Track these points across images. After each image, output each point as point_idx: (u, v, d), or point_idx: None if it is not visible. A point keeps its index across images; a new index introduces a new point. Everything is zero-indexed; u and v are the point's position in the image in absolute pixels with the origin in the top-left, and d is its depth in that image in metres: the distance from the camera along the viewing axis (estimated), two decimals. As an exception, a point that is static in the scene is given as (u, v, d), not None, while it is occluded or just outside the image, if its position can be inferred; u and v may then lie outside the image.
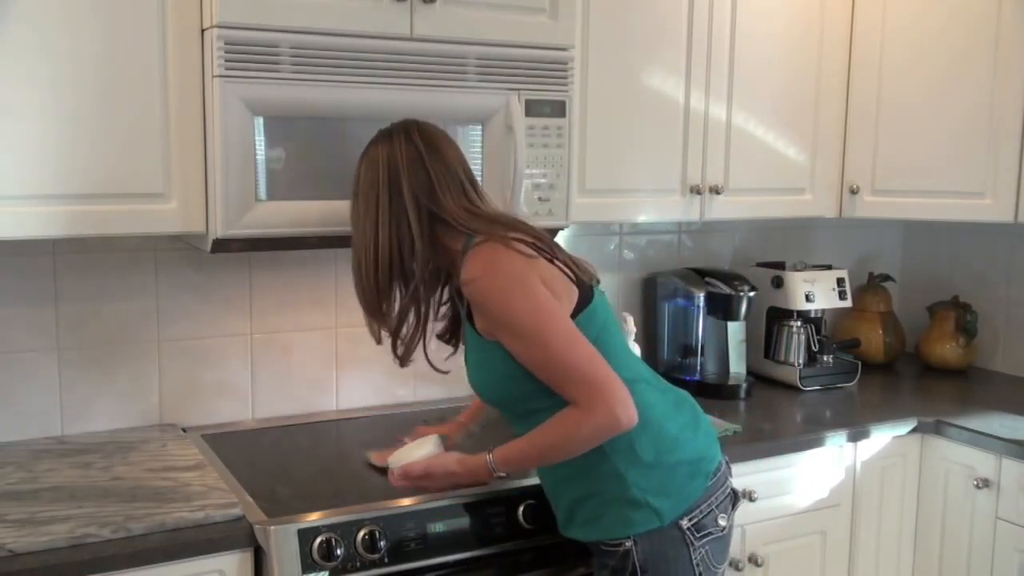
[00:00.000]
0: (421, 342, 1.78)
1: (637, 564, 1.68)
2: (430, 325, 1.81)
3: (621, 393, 1.60)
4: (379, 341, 1.79)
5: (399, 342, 1.78)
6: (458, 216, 1.69)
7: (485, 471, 1.70)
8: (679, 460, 1.71)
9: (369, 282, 1.71)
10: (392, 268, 1.70)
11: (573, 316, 1.65)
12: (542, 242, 1.70)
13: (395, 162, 1.69)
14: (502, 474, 1.71)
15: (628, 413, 1.60)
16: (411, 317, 1.76)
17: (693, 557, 1.69)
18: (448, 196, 1.70)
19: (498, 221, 1.71)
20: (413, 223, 1.68)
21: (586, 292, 1.70)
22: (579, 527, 1.76)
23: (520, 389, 1.68)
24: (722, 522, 1.74)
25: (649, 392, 1.73)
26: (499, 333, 1.64)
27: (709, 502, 1.73)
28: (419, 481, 1.76)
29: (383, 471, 1.90)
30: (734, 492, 1.81)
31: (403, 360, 1.80)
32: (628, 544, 1.68)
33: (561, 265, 1.69)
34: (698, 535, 1.70)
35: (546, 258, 1.67)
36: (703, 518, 1.71)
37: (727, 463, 1.82)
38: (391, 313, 1.75)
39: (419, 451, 1.78)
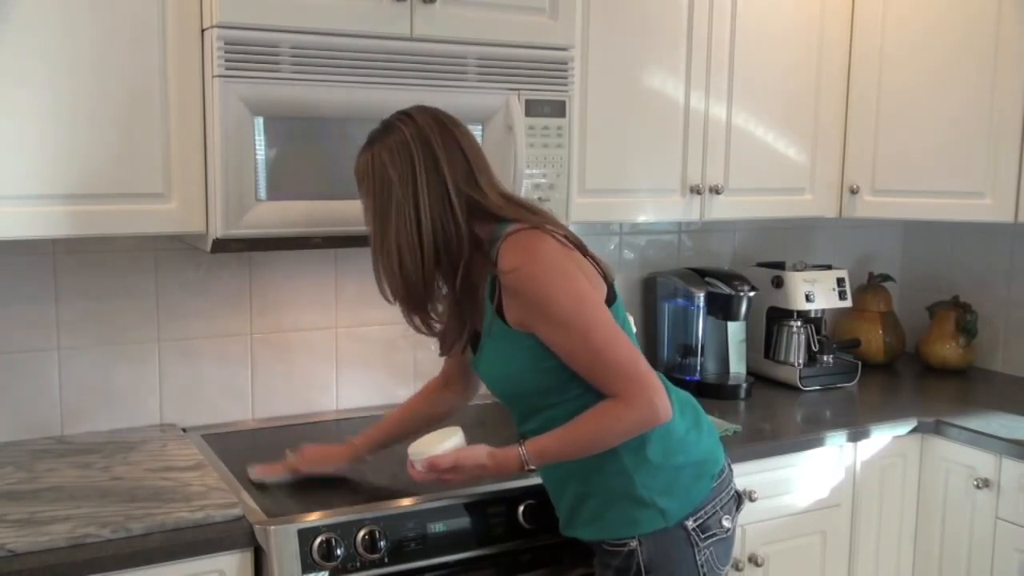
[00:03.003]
0: (461, 331, 1.75)
1: (642, 564, 1.67)
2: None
3: (659, 387, 1.60)
4: (430, 332, 1.74)
5: (443, 337, 1.77)
6: (497, 202, 1.64)
7: (517, 464, 1.63)
8: (685, 461, 1.71)
9: (415, 274, 1.62)
10: (439, 255, 1.62)
11: None
12: (571, 236, 1.68)
13: (428, 142, 1.61)
14: (533, 467, 1.65)
15: (666, 407, 1.59)
16: (452, 305, 1.73)
17: (698, 558, 1.69)
18: (484, 179, 1.65)
19: (531, 210, 1.68)
20: (456, 206, 1.61)
21: (611, 289, 1.69)
22: (581, 526, 1.75)
23: (540, 383, 1.65)
24: (726, 524, 1.74)
25: None
26: (536, 322, 1.59)
27: (714, 503, 1.72)
28: (445, 474, 1.66)
29: (262, 486, 1.88)
30: (738, 494, 1.81)
31: (447, 352, 1.80)
32: (633, 544, 1.67)
33: (591, 260, 1.68)
34: (703, 536, 1.70)
35: (579, 251, 1.67)
36: (708, 519, 1.71)
37: (730, 465, 1.82)
38: (434, 304, 1.70)
39: (445, 443, 1.68)
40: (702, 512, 1.70)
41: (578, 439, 1.62)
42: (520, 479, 1.89)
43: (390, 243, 1.62)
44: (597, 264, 1.69)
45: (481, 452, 1.66)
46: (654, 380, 1.60)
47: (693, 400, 1.83)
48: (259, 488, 1.87)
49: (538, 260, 1.57)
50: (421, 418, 1.96)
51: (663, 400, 1.59)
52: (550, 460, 1.66)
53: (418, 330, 1.73)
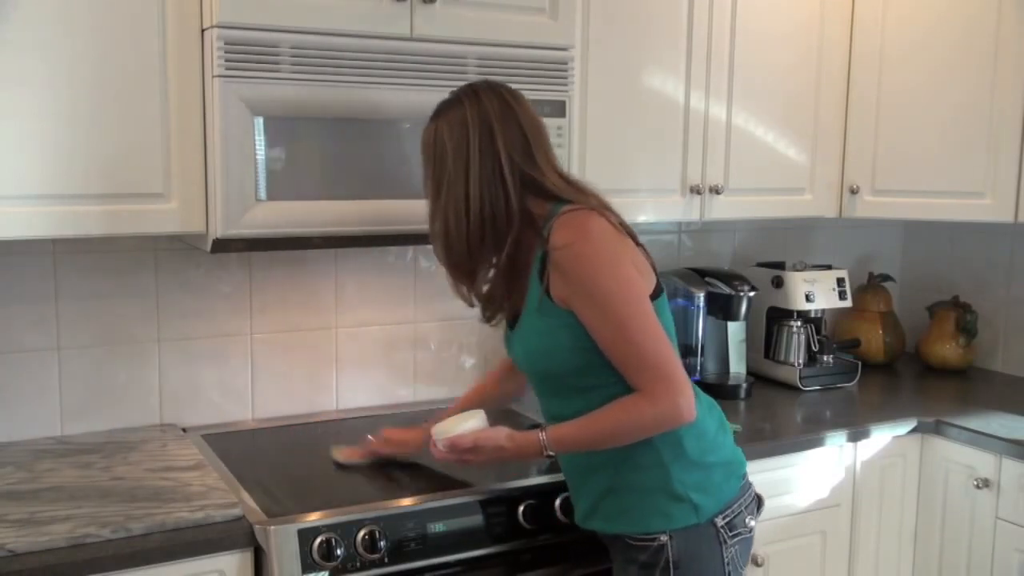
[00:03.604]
0: (505, 300, 1.76)
1: (671, 560, 1.65)
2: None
3: (687, 388, 1.59)
4: (471, 305, 1.77)
5: (487, 304, 1.78)
6: (554, 181, 1.66)
7: (536, 449, 1.65)
8: (716, 460, 1.71)
9: (460, 243, 1.65)
10: (484, 228, 1.64)
11: (651, 299, 1.64)
12: (625, 224, 1.69)
13: (487, 118, 1.63)
14: (552, 453, 1.67)
15: (690, 408, 1.59)
16: (499, 278, 1.74)
17: (725, 556, 1.69)
18: (542, 158, 1.67)
19: (589, 193, 1.69)
20: (509, 182, 1.63)
21: (659, 283, 1.69)
22: (605, 519, 1.73)
23: (576, 362, 1.64)
24: (750, 523, 1.74)
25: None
26: (577, 302, 1.59)
27: (740, 503, 1.73)
28: (465, 455, 1.71)
29: (350, 468, 1.93)
30: (758, 496, 1.82)
31: (490, 320, 1.80)
32: (663, 539, 1.66)
33: (643, 251, 1.68)
34: (730, 534, 1.70)
35: (633, 240, 1.68)
36: (735, 518, 1.71)
37: None
38: (478, 274, 1.72)
39: (466, 424, 1.73)
40: (730, 510, 1.71)
41: (599, 429, 1.62)
42: (520, 479, 1.89)
43: (439, 212, 1.67)
44: (648, 256, 1.70)
45: (501, 434, 1.69)
46: (682, 380, 1.59)
47: (717, 405, 1.83)
48: (259, 488, 1.87)
49: (590, 240, 1.58)
50: (489, 401, 2.00)
51: (688, 401, 1.58)
52: (569, 448, 1.68)
53: (463, 299, 1.76)
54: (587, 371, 1.64)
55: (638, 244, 1.70)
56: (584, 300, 1.58)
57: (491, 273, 1.74)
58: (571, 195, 1.66)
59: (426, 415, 2.40)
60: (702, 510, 1.67)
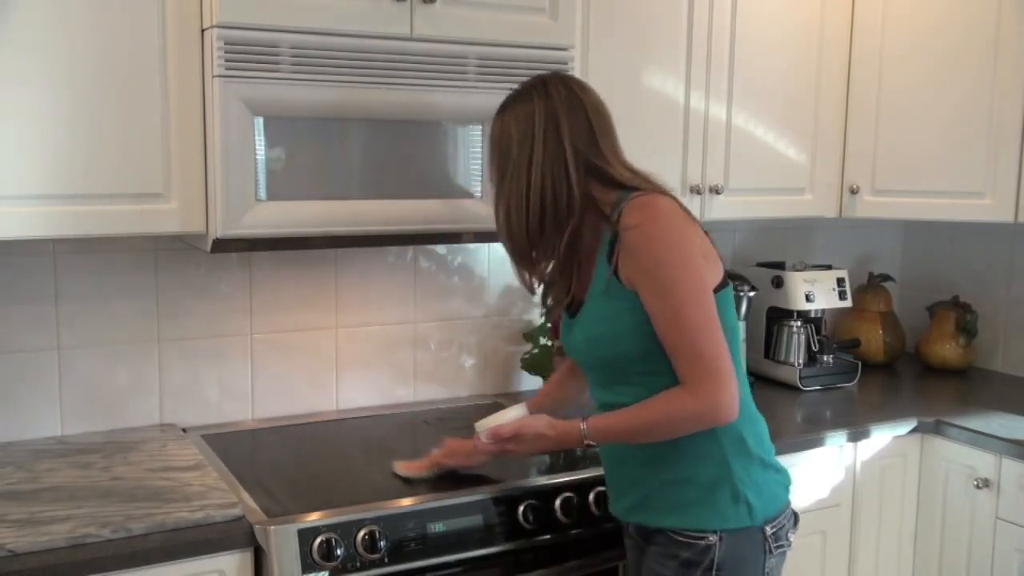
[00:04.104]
0: (567, 289, 1.76)
1: (715, 561, 1.63)
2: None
3: (732, 386, 1.57)
4: (532, 291, 1.79)
5: (549, 291, 1.79)
6: (620, 170, 1.68)
7: (576, 438, 1.66)
8: (773, 465, 1.72)
9: (520, 231, 1.68)
10: (544, 216, 1.65)
11: (716, 291, 1.63)
12: (692, 215, 1.69)
13: (553, 110, 1.65)
14: (592, 443, 1.67)
15: (732, 407, 1.57)
16: (561, 265, 1.74)
17: (767, 565, 1.68)
18: (608, 147, 1.69)
19: (655, 183, 1.70)
20: (572, 171, 1.64)
21: (726, 275, 1.69)
22: (654, 512, 1.69)
23: (639, 346, 1.62)
24: (791, 537, 1.73)
25: (749, 390, 1.74)
26: (641, 283, 1.59)
27: (785, 514, 1.72)
28: (507, 444, 1.72)
29: (408, 481, 1.89)
30: (795, 513, 1.79)
31: (553, 310, 1.81)
32: (713, 539, 1.63)
33: (711, 242, 1.68)
34: (775, 544, 1.68)
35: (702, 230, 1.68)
36: (780, 529, 1.70)
37: None
38: (542, 263, 1.74)
39: (507, 415, 1.76)
40: (777, 520, 1.69)
41: (641, 422, 1.62)
42: (520, 479, 1.89)
43: (502, 200, 1.70)
44: (714, 246, 1.70)
45: (541, 422, 1.71)
46: (729, 378, 1.57)
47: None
48: (259, 488, 1.87)
49: (660, 221, 1.59)
50: (554, 404, 1.98)
51: (730, 400, 1.56)
52: (608, 439, 1.68)
53: (526, 286, 1.77)
54: (648, 357, 1.63)
55: (707, 234, 1.70)
56: (647, 282, 1.58)
57: (553, 260, 1.76)
58: (637, 183, 1.67)
59: (426, 415, 2.40)
60: (756, 513, 1.65)
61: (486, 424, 1.78)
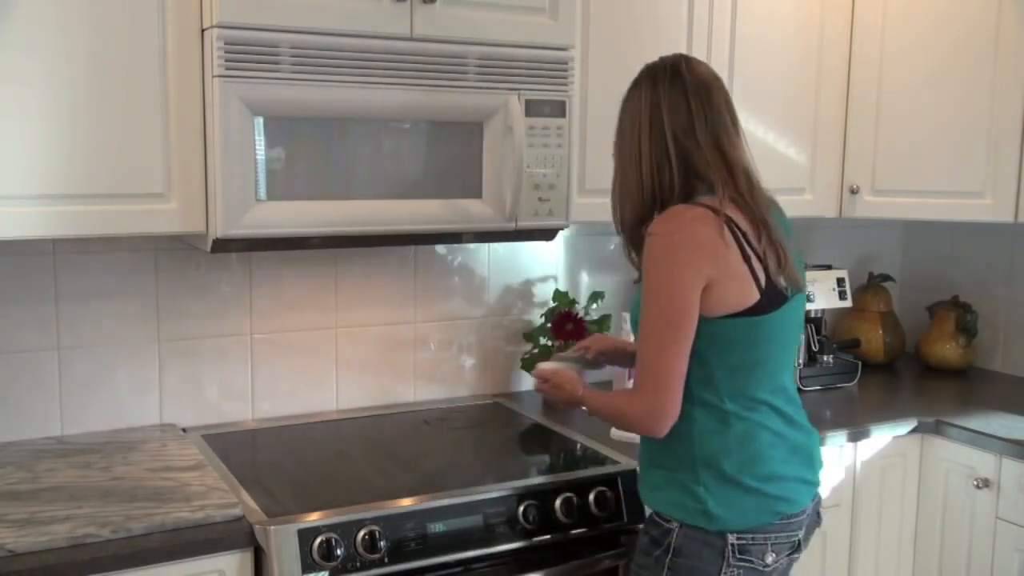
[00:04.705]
0: None
1: (672, 546, 1.69)
2: None
3: (661, 402, 1.63)
4: (640, 270, 1.80)
5: None
6: (708, 157, 1.70)
7: (578, 401, 1.83)
8: (759, 489, 1.68)
9: (630, 211, 1.74)
10: (649, 199, 1.71)
11: (735, 316, 1.63)
12: (753, 232, 1.67)
13: (657, 98, 1.71)
14: (584, 409, 1.82)
15: (657, 421, 1.64)
16: None
17: (723, 571, 1.67)
18: (703, 134, 1.71)
19: (739, 175, 1.71)
20: (672, 157, 1.69)
21: (772, 298, 1.66)
22: (645, 488, 1.80)
23: None
24: (768, 560, 1.69)
25: (772, 420, 1.70)
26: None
27: (766, 536, 1.69)
28: (544, 384, 1.90)
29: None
30: (798, 543, 1.75)
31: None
32: (673, 525, 1.69)
33: (756, 266, 1.65)
34: (738, 555, 1.67)
35: (742, 252, 1.64)
36: (751, 545, 1.68)
37: (815, 515, 1.79)
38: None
39: (554, 364, 1.95)
40: (749, 536, 1.67)
41: (604, 407, 1.79)
42: (520, 479, 1.89)
43: (616, 183, 1.78)
44: (765, 270, 1.66)
45: (574, 373, 1.90)
46: (663, 398, 1.62)
47: (815, 449, 1.79)
48: (259, 488, 1.87)
49: (668, 238, 1.65)
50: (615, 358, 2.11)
51: (653, 413, 1.63)
52: (591, 412, 1.82)
53: (634, 265, 1.81)
54: None
55: (756, 255, 1.66)
56: (642, 287, 1.68)
57: None
58: (717, 175, 1.69)
59: (426, 415, 2.40)
60: (716, 520, 1.66)
61: (542, 365, 1.95)
